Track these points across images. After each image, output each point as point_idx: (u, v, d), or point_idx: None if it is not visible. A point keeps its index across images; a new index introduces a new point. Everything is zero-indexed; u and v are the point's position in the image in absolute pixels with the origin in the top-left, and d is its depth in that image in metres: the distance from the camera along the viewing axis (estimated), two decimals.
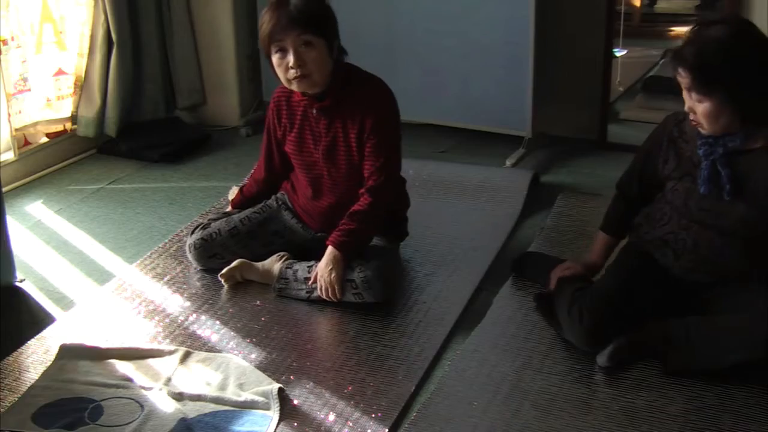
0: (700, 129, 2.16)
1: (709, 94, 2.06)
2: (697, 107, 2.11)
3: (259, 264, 2.66)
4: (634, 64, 4.67)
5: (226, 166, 3.75)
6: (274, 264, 2.64)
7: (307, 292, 2.56)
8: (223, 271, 2.66)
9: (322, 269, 2.49)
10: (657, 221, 2.34)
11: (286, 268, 2.60)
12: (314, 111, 2.55)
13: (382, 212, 2.57)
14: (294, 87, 2.47)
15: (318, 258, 2.57)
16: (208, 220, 2.79)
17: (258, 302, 2.59)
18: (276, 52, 2.42)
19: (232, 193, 3.13)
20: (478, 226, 2.92)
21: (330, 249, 2.50)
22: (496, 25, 3.58)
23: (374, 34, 3.67)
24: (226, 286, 2.67)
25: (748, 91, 2.06)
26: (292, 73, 2.41)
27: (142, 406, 2.11)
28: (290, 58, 2.39)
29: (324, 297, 2.51)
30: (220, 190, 3.38)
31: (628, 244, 2.46)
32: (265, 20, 2.41)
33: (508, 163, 3.63)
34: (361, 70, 2.57)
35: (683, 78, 2.10)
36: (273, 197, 2.83)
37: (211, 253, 2.72)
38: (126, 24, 3.80)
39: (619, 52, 4.43)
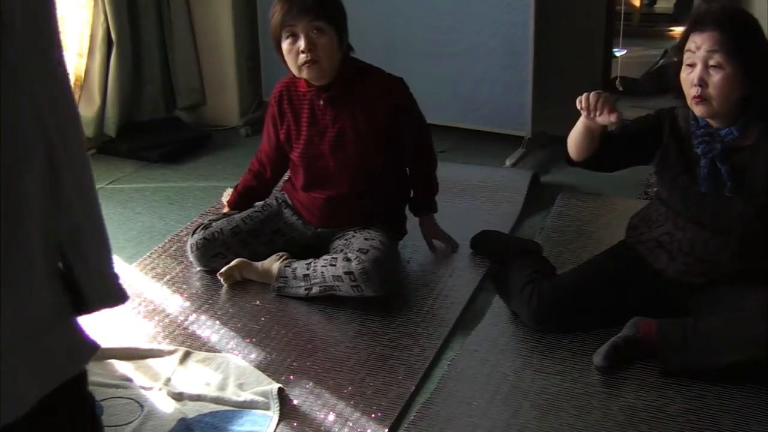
0: (700, 108, 2.13)
1: (735, 58, 2.05)
2: (713, 77, 2.08)
3: (258, 263, 2.66)
4: (634, 64, 4.68)
5: (225, 166, 3.75)
6: (273, 263, 2.64)
7: (305, 290, 2.55)
8: (223, 269, 2.66)
9: (441, 233, 2.81)
10: (653, 222, 2.34)
11: (285, 266, 2.60)
12: (321, 102, 2.56)
13: (434, 168, 2.79)
14: (304, 74, 2.49)
15: (318, 256, 2.58)
16: (209, 220, 2.79)
17: (257, 302, 2.59)
18: (287, 38, 2.46)
19: (226, 195, 3.13)
20: (478, 226, 2.92)
21: (428, 216, 2.80)
22: (496, 25, 3.58)
23: (374, 34, 3.67)
24: (225, 286, 2.67)
25: (765, 70, 2.08)
26: (302, 57, 2.44)
27: (141, 406, 2.11)
28: (301, 43, 2.43)
29: (453, 253, 2.81)
30: (220, 190, 3.37)
31: (618, 244, 2.45)
32: (277, 9, 2.46)
33: (508, 163, 3.63)
34: (367, 64, 2.62)
35: (706, 41, 2.07)
36: (273, 197, 2.83)
37: (214, 253, 2.72)
38: (126, 24, 3.79)
39: (619, 52, 4.43)
